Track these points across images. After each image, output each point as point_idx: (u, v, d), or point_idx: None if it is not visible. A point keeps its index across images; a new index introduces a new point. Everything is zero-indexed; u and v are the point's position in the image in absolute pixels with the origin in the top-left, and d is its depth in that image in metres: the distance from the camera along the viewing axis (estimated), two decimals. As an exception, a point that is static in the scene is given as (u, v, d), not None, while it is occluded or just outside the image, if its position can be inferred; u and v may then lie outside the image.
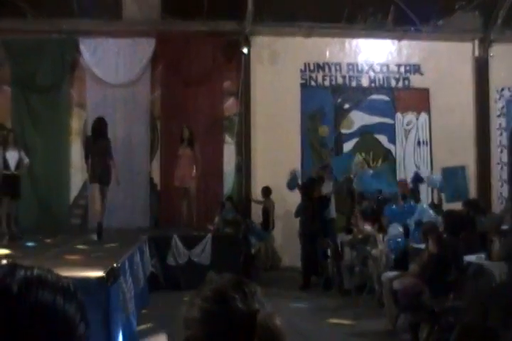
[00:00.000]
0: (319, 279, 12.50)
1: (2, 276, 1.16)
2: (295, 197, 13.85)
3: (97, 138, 12.05)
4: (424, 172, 15.17)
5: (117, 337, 7.21)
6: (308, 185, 13.10)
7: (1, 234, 11.21)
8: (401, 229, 10.70)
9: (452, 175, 13.25)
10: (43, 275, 1.18)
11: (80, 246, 10.58)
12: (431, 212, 11.13)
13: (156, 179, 15.01)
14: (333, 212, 13.03)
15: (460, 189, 12.96)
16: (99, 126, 12.23)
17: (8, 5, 13.68)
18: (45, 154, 14.43)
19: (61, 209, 14.64)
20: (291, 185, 13.42)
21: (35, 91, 14.79)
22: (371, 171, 14.31)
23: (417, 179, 13.69)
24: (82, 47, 14.77)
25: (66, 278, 1.25)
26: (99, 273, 7.02)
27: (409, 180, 14.31)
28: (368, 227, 11.49)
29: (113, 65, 14.87)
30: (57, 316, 1.14)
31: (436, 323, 7.72)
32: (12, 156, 12.58)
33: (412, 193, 12.75)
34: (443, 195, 13.22)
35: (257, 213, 14.28)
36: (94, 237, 11.97)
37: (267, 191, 14.28)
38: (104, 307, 6.95)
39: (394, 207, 11.79)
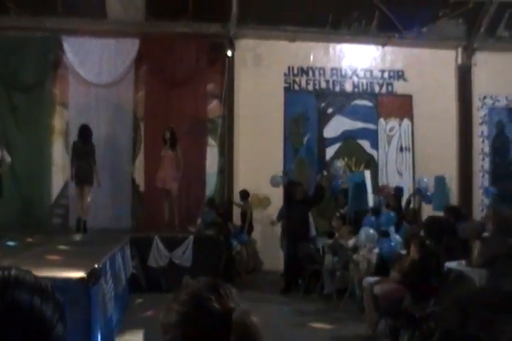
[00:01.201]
0: (300, 283, 12.51)
1: None
2: (276, 201, 13.87)
3: (83, 143, 12.82)
4: (407, 179, 15.26)
5: (97, 337, 7.18)
6: (288, 188, 13.15)
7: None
8: (372, 232, 10.68)
9: (441, 184, 13.33)
10: (20, 276, 1.20)
11: (62, 246, 10.49)
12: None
13: (139, 180, 14.96)
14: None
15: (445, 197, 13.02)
16: (85, 133, 12.95)
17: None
18: (27, 153, 14.32)
19: (42, 208, 14.55)
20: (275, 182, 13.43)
21: (17, 89, 14.69)
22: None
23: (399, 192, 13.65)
24: (66, 46, 14.68)
25: (44, 279, 1.25)
26: (80, 274, 6.97)
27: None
28: (345, 230, 11.55)
29: (96, 65, 14.81)
30: (34, 316, 1.15)
31: (417, 329, 7.74)
32: (-7, 155, 12.48)
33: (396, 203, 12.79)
34: (429, 204, 13.22)
35: (239, 216, 14.25)
36: (77, 237, 11.99)
37: (244, 194, 14.26)
38: (84, 307, 6.90)
39: (372, 218, 11.70)
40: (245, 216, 14.04)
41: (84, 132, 13.01)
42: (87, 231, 12.84)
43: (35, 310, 1.16)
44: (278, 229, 13.90)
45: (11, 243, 11.00)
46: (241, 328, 1.54)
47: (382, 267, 9.76)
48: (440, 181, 13.45)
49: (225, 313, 1.56)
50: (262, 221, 14.67)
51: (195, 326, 1.56)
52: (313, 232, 13.17)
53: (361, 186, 12.29)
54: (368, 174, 12.45)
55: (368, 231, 10.69)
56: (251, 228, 14.12)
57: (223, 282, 1.70)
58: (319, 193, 13.08)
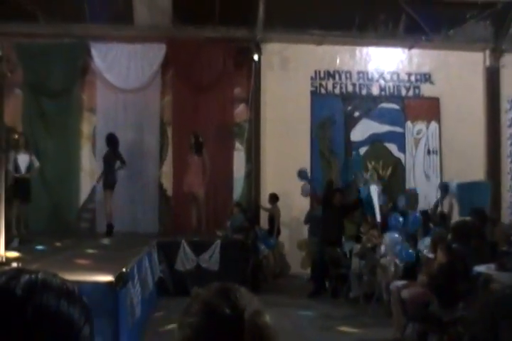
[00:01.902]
0: (327, 287, 12.48)
1: (7, 280, 1.17)
2: (303, 204, 13.85)
3: (111, 151, 13.32)
4: (434, 182, 15.17)
5: (124, 340, 7.22)
6: (326, 193, 13.16)
7: (11, 237, 11.20)
8: (397, 236, 10.63)
9: (474, 190, 13.14)
10: (47, 280, 1.20)
11: (90, 250, 10.59)
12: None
13: (166, 185, 15.02)
14: None
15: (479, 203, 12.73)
16: (113, 141, 13.46)
17: (21, 9, 13.73)
18: (55, 158, 14.48)
19: (71, 212, 14.68)
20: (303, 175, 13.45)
21: (46, 95, 14.86)
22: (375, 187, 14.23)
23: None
24: (94, 52, 14.81)
25: (70, 282, 1.27)
26: (108, 278, 7.04)
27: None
28: (375, 235, 11.50)
29: (124, 70, 14.90)
30: (62, 319, 1.16)
31: (445, 333, 7.70)
32: (23, 160, 12.64)
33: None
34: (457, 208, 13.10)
35: (266, 220, 14.23)
36: (105, 241, 12.13)
37: (273, 198, 14.23)
38: (112, 311, 6.96)
39: (399, 218, 11.65)
40: (273, 220, 14.02)
41: (112, 140, 13.40)
42: (113, 235, 13.09)
43: (62, 314, 1.17)
44: (305, 232, 13.89)
45: (39, 247, 11.12)
46: (253, 329, 1.51)
47: (409, 271, 9.71)
48: (470, 187, 13.21)
49: (235, 316, 1.53)
50: (289, 225, 14.65)
51: (208, 336, 1.53)
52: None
53: (368, 201, 12.36)
54: (373, 188, 12.39)
55: (392, 236, 10.63)
56: (278, 232, 14.10)
57: (232, 284, 1.65)
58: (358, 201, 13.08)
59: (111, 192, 13.35)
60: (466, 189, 13.08)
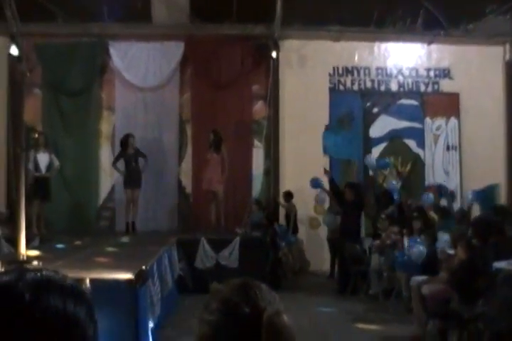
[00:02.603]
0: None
1: (12, 280, 1.17)
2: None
3: (129, 150, 13.51)
4: (453, 178, 15.11)
5: (145, 338, 7.26)
6: (338, 189, 13.16)
7: (31, 236, 11.29)
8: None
9: (488, 194, 13.11)
10: (51, 278, 1.20)
11: (109, 249, 10.66)
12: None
13: (185, 182, 15.06)
14: None
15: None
16: (128, 142, 13.64)
17: (40, 9, 13.81)
18: (75, 157, 14.58)
19: (90, 211, 14.77)
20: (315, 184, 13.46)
21: (65, 95, 14.95)
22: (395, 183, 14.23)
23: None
24: (112, 51, 14.87)
25: (96, 280, 1.29)
26: (128, 276, 7.08)
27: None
28: (395, 231, 11.45)
29: (142, 69, 14.95)
30: (69, 320, 1.16)
31: (466, 330, 7.67)
32: (43, 159, 12.75)
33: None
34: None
35: (284, 217, 14.20)
36: (124, 239, 12.22)
37: (287, 195, 14.20)
38: (132, 309, 7.01)
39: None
40: (289, 217, 14.00)
41: (128, 140, 13.56)
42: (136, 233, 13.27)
43: (69, 314, 1.17)
44: (324, 230, 13.87)
45: (60, 246, 11.19)
46: (271, 329, 1.48)
47: (428, 266, 9.68)
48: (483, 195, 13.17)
49: (254, 315, 1.51)
50: (308, 222, 14.64)
51: (227, 335, 1.51)
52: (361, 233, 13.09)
53: None
54: None
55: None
56: (296, 229, 14.07)
57: (253, 281, 1.62)
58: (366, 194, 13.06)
59: (136, 190, 13.54)
60: (482, 195, 13.04)
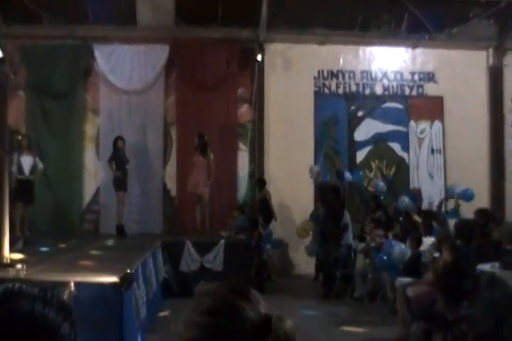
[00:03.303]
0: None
1: None
2: (307, 204, 13.84)
3: (120, 153, 13.42)
4: (438, 181, 15.18)
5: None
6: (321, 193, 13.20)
7: (15, 239, 11.23)
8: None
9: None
10: (23, 288, 1.31)
11: (94, 252, 10.61)
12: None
13: (170, 185, 15.03)
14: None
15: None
16: (121, 144, 13.51)
17: (24, 11, 13.74)
18: (59, 159, 14.51)
19: (74, 214, 14.70)
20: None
21: (49, 97, 14.88)
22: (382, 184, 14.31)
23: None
24: (97, 53, 14.83)
25: (84, 284, 1.44)
26: (113, 279, 7.05)
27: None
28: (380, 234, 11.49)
29: (127, 71, 14.91)
30: (35, 319, 1.27)
31: (450, 332, 7.69)
32: (26, 161, 12.68)
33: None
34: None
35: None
36: (109, 242, 12.17)
37: (261, 182, 14.22)
38: (117, 312, 6.98)
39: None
40: (264, 204, 13.85)
41: (121, 142, 13.48)
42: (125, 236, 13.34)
43: (35, 314, 1.27)
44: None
45: (44, 249, 11.13)
46: (279, 335, 1.45)
47: (413, 268, 9.72)
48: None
49: (262, 322, 1.45)
50: (294, 225, 14.64)
51: (223, 338, 1.45)
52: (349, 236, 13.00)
53: None
54: None
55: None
56: (271, 216, 13.93)
57: (246, 285, 1.57)
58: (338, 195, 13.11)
59: (123, 193, 13.48)
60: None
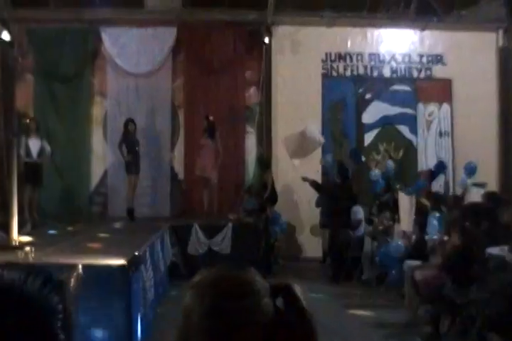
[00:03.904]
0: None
1: None
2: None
3: (132, 135, 13.39)
4: (446, 164, 15.12)
5: (137, 324, 7.26)
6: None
7: (23, 222, 11.26)
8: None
9: None
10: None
11: (102, 235, 10.64)
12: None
13: (178, 168, 15.02)
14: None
15: None
16: (133, 126, 13.44)
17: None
18: (66, 142, 14.51)
19: (82, 197, 14.72)
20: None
21: (57, 80, 14.85)
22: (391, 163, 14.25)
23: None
24: (104, 36, 14.78)
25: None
26: (120, 261, 7.07)
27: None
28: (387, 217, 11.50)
29: (134, 54, 14.87)
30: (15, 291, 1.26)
31: (458, 315, 7.70)
32: (34, 144, 12.67)
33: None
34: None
35: (277, 204, 14.09)
36: (117, 225, 12.22)
37: (263, 164, 14.11)
38: (125, 294, 7.01)
39: None
40: (266, 186, 13.77)
41: (132, 125, 13.42)
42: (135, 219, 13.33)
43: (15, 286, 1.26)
44: (316, 216, 13.83)
45: (52, 231, 11.17)
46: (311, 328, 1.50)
47: (418, 251, 9.72)
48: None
49: (274, 288, 1.50)
50: (301, 208, 14.64)
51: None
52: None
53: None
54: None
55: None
56: (275, 198, 13.90)
57: (245, 266, 1.59)
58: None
59: (136, 177, 13.45)
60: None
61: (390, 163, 14.13)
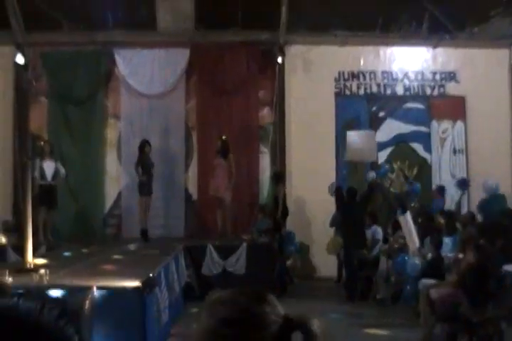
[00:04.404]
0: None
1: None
2: (328, 207, 13.71)
3: (147, 157, 13.47)
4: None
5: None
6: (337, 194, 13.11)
7: (38, 244, 11.30)
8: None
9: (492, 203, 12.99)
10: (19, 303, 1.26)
11: (116, 256, 10.64)
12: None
13: (192, 189, 15.04)
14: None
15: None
16: (148, 148, 13.53)
17: (45, 18, 13.87)
18: (80, 164, 14.57)
19: (96, 219, 14.74)
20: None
21: (71, 103, 14.94)
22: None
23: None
24: (117, 59, 14.88)
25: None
26: (135, 283, 7.07)
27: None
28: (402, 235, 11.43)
29: (148, 76, 14.95)
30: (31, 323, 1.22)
31: (475, 334, 7.62)
32: (48, 167, 12.76)
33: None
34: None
35: (292, 223, 14.06)
36: (132, 246, 12.22)
37: (277, 177, 13.95)
38: (139, 316, 7.00)
39: None
40: (278, 199, 13.68)
41: (148, 146, 13.53)
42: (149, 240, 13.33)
43: (31, 320, 1.23)
44: (331, 235, 13.76)
45: (67, 253, 11.20)
46: (308, 334, 1.47)
47: (434, 270, 9.65)
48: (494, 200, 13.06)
49: (284, 323, 1.47)
50: (315, 227, 14.59)
51: None
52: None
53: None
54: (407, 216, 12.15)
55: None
56: (286, 212, 13.80)
57: (263, 290, 1.58)
58: (367, 193, 13.01)
59: (149, 198, 13.50)
60: (486, 204, 12.96)
61: (415, 184, 14.07)
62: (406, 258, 10.86)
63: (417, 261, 10.38)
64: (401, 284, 10.98)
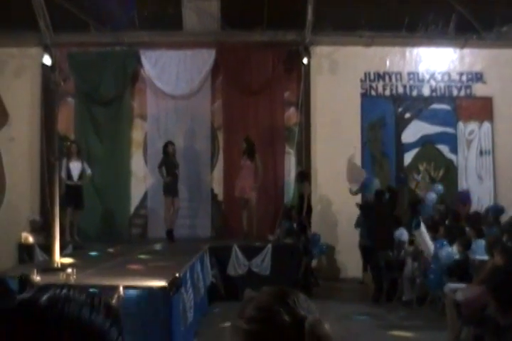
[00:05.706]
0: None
1: (34, 294, 1.29)
2: (354, 208, 13.68)
3: (172, 158, 13.56)
4: (487, 183, 14.93)
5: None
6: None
7: (65, 244, 11.38)
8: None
9: None
10: (70, 294, 1.30)
11: (142, 256, 10.69)
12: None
13: (217, 189, 15.08)
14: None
15: None
16: (173, 149, 13.58)
17: (72, 19, 13.98)
18: (107, 165, 14.66)
19: (122, 219, 14.83)
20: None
21: (97, 103, 15.04)
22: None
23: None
24: (144, 59, 14.95)
25: (131, 288, 1.39)
26: (161, 283, 7.09)
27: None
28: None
29: (174, 76, 14.99)
30: (82, 324, 1.26)
31: (502, 337, 7.54)
32: (75, 167, 12.86)
33: None
34: None
35: (317, 224, 14.06)
36: (157, 246, 12.27)
37: (301, 176, 13.97)
38: (165, 316, 7.01)
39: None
40: (303, 197, 13.68)
41: (171, 147, 13.57)
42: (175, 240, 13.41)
43: (82, 320, 1.26)
44: (356, 236, 13.70)
45: (93, 253, 11.26)
46: (313, 338, 1.47)
47: (462, 273, 9.58)
48: None
49: (295, 324, 1.49)
50: (340, 228, 14.56)
51: None
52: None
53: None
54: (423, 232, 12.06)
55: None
56: (310, 210, 13.68)
57: (290, 289, 1.61)
58: (390, 196, 12.97)
59: (176, 198, 13.56)
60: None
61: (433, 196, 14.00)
62: (444, 243, 10.70)
63: (450, 249, 10.25)
64: (427, 286, 10.91)
